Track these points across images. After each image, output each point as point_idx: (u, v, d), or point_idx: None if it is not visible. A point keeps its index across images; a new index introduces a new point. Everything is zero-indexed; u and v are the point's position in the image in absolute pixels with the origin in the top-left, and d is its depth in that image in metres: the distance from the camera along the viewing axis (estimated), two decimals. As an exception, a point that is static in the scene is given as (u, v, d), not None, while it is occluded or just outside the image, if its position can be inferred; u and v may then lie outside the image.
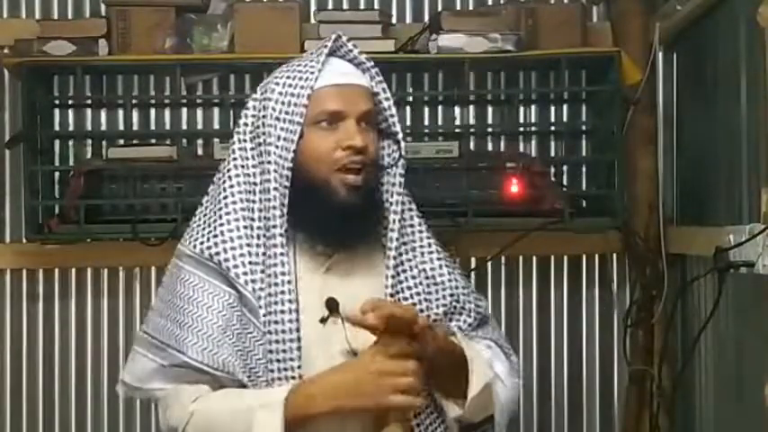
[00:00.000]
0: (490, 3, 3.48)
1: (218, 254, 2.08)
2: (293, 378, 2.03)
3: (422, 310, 2.10)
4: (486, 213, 3.17)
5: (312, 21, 3.35)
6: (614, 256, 3.48)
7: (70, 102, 3.46)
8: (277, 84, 2.12)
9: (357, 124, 2.09)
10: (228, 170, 2.15)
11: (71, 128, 3.48)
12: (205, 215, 2.15)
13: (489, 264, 3.42)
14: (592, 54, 3.24)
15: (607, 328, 3.49)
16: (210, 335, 2.04)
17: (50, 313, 3.48)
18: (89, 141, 3.47)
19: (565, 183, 3.46)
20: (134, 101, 3.35)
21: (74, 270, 3.48)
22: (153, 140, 3.35)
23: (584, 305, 3.50)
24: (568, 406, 3.50)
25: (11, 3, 3.46)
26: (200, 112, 3.50)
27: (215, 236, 2.10)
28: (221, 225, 2.10)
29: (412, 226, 2.20)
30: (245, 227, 2.08)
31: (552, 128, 3.51)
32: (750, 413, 2.53)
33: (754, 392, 2.38)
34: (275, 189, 2.06)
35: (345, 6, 3.49)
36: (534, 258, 3.50)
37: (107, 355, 3.47)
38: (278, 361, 2.04)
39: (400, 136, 2.16)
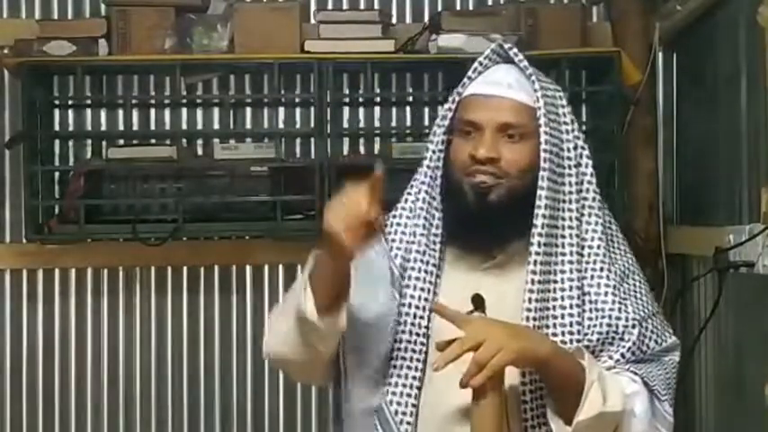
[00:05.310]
0: (490, 3, 3.48)
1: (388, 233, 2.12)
2: (414, 368, 2.04)
3: (571, 333, 2.06)
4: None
5: (312, 21, 3.35)
6: (614, 256, 3.47)
7: (70, 102, 3.46)
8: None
9: (495, 135, 2.08)
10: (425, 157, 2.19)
11: (71, 128, 3.48)
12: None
13: (489, 264, 3.41)
14: (592, 54, 3.25)
15: (607, 328, 3.48)
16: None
17: (50, 313, 3.48)
18: (89, 141, 3.47)
19: (565, 183, 3.45)
20: (134, 101, 3.35)
21: (74, 270, 3.48)
22: (153, 140, 3.35)
23: (585, 305, 3.49)
24: (568, 406, 3.49)
25: (11, 3, 3.46)
26: (200, 112, 3.50)
27: (393, 215, 2.14)
28: (403, 204, 2.15)
29: (590, 247, 2.13)
30: (421, 208, 2.13)
31: (552, 128, 3.50)
32: (750, 413, 2.53)
33: (755, 392, 2.39)
34: (429, 186, 2.12)
35: (345, 6, 3.49)
36: (534, 258, 3.49)
37: (107, 355, 3.48)
38: (404, 350, 2.06)
39: (543, 147, 2.08)
